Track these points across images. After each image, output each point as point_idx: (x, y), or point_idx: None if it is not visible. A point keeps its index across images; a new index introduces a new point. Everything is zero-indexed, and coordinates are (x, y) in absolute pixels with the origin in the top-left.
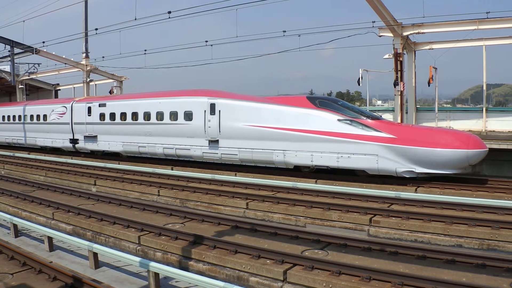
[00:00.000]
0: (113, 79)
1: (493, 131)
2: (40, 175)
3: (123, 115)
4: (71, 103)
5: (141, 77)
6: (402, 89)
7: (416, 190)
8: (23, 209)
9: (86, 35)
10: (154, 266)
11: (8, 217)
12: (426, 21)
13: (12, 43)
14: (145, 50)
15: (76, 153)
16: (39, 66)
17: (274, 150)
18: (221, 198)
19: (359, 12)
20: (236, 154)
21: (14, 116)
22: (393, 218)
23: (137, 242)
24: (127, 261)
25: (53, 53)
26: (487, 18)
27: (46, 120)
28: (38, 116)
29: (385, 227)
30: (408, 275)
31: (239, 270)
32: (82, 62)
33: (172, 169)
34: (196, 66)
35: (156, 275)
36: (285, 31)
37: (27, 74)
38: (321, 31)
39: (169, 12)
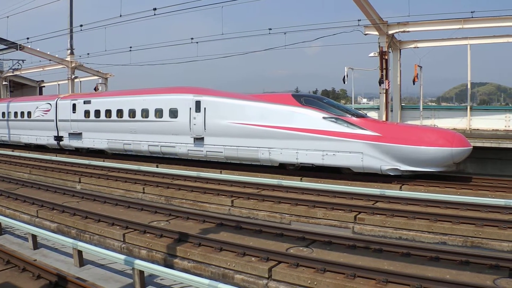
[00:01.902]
0: (98, 76)
1: (477, 129)
2: (24, 172)
3: (108, 112)
4: (55, 100)
5: (126, 74)
6: (387, 87)
7: (400, 188)
8: (7, 207)
9: (71, 31)
10: (139, 264)
11: None
12: (411, 19)
13: None
14: (131, 47)
15: (61, 150)
16: (23, 62)
17: (260, 147)
18: (206, 195)
19: (344, 10)
20: (222, 152)
21: None
22: (378, 215)
23: (122, 240)
24: (112, 259)
25: (38, 49)
26: (472, 17)
27: (30, 117)
28: (22, 113)
29: (370, 224)
30: (392, 272)
31: (224, 267)
32: (67, 59)
33: (157, 167)
34: (182, 63)
35: (141, 273)
36: (270, 29)
37: (11, 70)
38: (307, 29)
39: (155, 9)
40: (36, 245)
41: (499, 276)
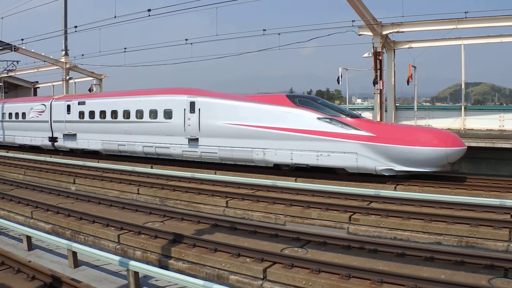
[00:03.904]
0: (92, 77)
1: (472, 129)
2: (19, 173)
3: (103, 113)
4: (50, 101)
5: (121, 75)
6: (381, 88)
7: (395, 188)
8: (2, 208)
9: (66, 32)
10: (134, 265)
11: None
12: (405, 20)
13: None
14: (125, 48)
15: (55, 151)
16: (17, 63)
17: (254, 148)
18: (201, 196)
19: (339, 10)
20: (216, 153)
21: None
22: (373, 216)
23: (117, 241)
24: (107, 260)
25: (32, 50)
26: (466, 17)
27: (25, 118)
28: (17, 114)
29: (365, 225)
30: (387, 273)
31: (218, 268)
32: (61, 60)
33: (151, 168)
34: (176, 64)
35: (136, 274)
36: (265, 30)
37: (6, 71)
38: (301, 29)
39: (149, 10)
40: (31, 246)
41: (494, 276)
